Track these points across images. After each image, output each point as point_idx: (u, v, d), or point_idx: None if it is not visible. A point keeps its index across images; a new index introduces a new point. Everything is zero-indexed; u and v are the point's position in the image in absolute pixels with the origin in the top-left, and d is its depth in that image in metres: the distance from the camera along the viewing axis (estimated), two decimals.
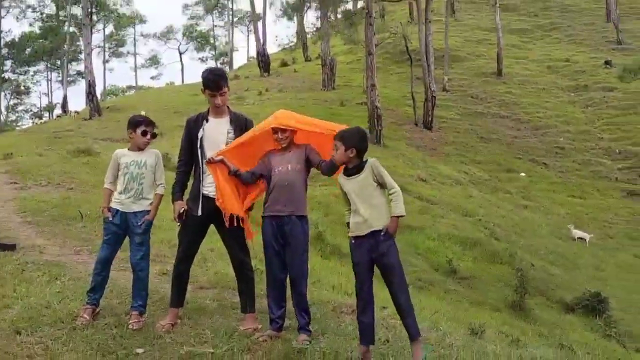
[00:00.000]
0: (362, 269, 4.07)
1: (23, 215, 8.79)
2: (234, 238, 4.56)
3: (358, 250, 4.08)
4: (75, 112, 40.61)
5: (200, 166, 4.55)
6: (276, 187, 4.42)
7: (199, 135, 4.55)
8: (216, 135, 4.55)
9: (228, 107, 4.68)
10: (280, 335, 4.47)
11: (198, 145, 4.55)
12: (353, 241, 4.13)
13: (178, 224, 4.66)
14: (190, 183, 4.75)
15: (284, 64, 47.52)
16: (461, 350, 4.40)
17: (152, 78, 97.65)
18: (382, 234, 3.98)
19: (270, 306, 4.52)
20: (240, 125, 4.60)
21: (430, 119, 29.55)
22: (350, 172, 4.16)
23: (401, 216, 4.01)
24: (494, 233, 17.12)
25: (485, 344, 4.81)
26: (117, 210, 4.70)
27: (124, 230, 4.72)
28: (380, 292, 4.41)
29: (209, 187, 4.52)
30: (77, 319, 4.50)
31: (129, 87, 76.83)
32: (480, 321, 7.41)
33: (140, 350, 4.01)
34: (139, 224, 4.67)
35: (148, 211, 4.74)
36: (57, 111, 54.22)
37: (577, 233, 20.28)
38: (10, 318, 4.50)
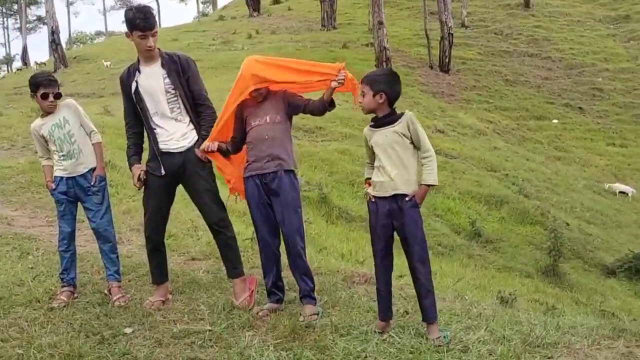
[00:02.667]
0: (381, 233, 4.05)
1: None
2: (207, 193, 4.56)
3: (378, 213, 4.05)
4: (38, 63, 40.36)
5: (149, 122, 4.53)
6: (255, 143, 4.40)
7: (132, 89, 4.51)
8: (151, 84, 4.48)
9: (159, 49, 4.57)
10: (281, 307, 4.51)
11: (138, 103, 4.51)
12: (373, 200, 4.09)
13: (139, 189, 4.66)
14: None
15: (276, 1, 46.95)
16: (491, 320, 4.44)
17: (125, 22, 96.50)
18: (407, 199, 3.94)
19: (265, 277, 4.56)
20: (175, 66, 4.50)
21: (447, 60, 29.29)
22: (379, 123, 4.05)
23: (432, 185, 3.98)
24: (523, 189, 17.15)
25: (517, 313, 4.85)
26: (61, 178, 4.72)
27: (74, 196, 4.75)
28: (397, 259, 4.43)
29: (167, 142, 4.51)
30: (53, 299, 4.55)
31: (98, 34, 76.16)
32: (509, 289, 7.50)
33: (128, 330, 4.05)
34: (91, 183, 4.71)
35: (93, 169, 4.76)
36: (17, 64, 53.88)
37: (618, 187, 20.31)
38: None
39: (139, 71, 4.52)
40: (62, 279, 4.73)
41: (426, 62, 29.82)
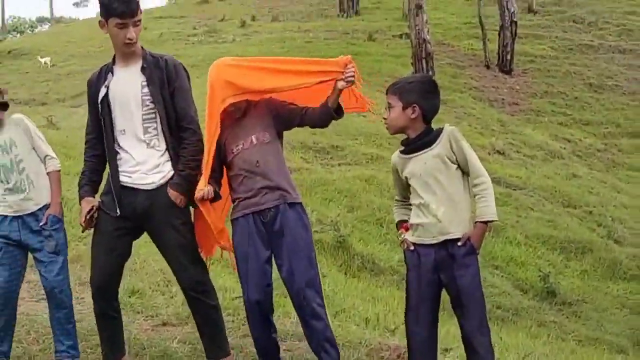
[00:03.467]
0: (425, 294, 4.02)
1: None
2: (181, 250, 4.46)
3: (420, 266, 4.01)
4: None
5: (111, 142, 4.46)
6: (243, 172, 4.33)
7: (100, 95, 4.44)
8: (125, 91, 4.42)
9: (143, 48, 4.53)
10: None
11: (104, 114, 4.44)
12: (412, 249, 4.05)
13: (84, 229, 4.60)
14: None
15: None
16: None
17: (76, 5, 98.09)
18: (459, 244, 3.90)
19: (258, 351, 4.54)
20: (160, 73, 4.42)
21: (509, 57, 29.38)
22: (412, 146, 4.02)
23: (492, 221, 3.94)
24: (614, 232, 17.06)
25: None
26: (5, 217, 4.74)
27: (17, 242, 4.75)
28: (442, 325, 4.42)
29: (134, 174, 4.42)
30: None
31: (41, 20, 77.18)
32: None
33: None
34: (41, 225, 4.70)
35: (48, 204, 4.78)
36: None
37: None
38: None
39: (112, 73, 4.49)
40: None
41: (481, 60, 29.92)
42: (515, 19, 29.22)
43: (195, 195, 4.25)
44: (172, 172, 4.41)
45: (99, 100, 4.43)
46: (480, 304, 3.93)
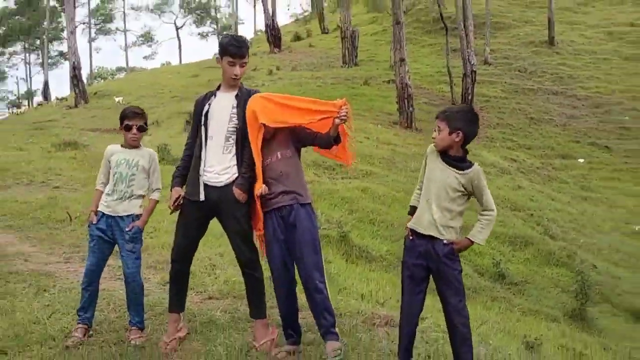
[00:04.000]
0: (413, 272, 3.98)
1: (3, 219, 8.91)
2: (239, 235, 4.52)
3: (413, 250, 3.99)
4: (58, 99, 41.03)
5: (203, 146, 4.52)
6: (269, 179, 4.39)
7: (204, 110, 4.54)
8: (220, 109, 4.52)
9: (242, 83, 4.65)
10: (299, 349, 4.49)
11: (203, 124, 4.53)
12: (411, 237, 4.03)
13: (172, 212, 4.64)
14: None
15: (297, 38, 47.51)
16: None
17: (146, 58, 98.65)
18: (444, 242, 3.88)
19: (281, 317, 4.54)
20: (245, 98, 4.52)
21: (470, 97, 29.32)
22: (450, 161, 3.95)
23: (477, 243, 3.94)
24: (548, 230, 16.98)
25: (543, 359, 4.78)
26: (103, 214, 4.74)
27: (110, 236, 4.75)
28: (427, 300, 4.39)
29: (209, 174, 4.47)
30: (68, 337, 4.56)
31: (119, 69, 77.41)
32: (535, 333, 7.40)
33: None
34: (126, 229, 4.70)
35: (138, 216, 4.78)
36: (38, 98, 54.89)
37: None
38: None
39: (215, 95, 4.60)
40: (78, 315, 4.74)
41: (449, 99, 29.87)
42: (474, 69, 29.21)
43: (256, 193, 4.35)
44: (236, 174, 4.45)
45: (203, 113, 4.53)
46: (457, 290, 3.89)
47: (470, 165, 3.93)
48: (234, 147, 4.50)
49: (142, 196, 4.84)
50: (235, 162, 4.49)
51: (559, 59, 36.04)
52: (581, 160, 26.33)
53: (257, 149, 4.39)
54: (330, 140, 4.37)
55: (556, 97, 31.87)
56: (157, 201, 4.88)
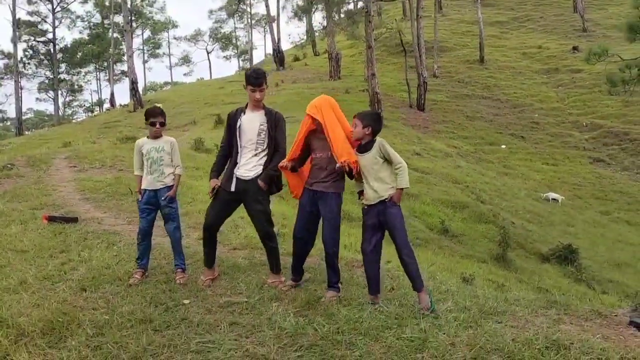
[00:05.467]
0: (371, 229, 4.04)
1: (82, 193, 8.86)
2: (261, 214, 4.48)
3: (369, 215, 4.05)
4: (121, 105, 40.72)
5: (237, 150, 4.50)
6: (315, 169, 4.32)
7: (237, 124, 4.50)
8: (251, 126, 4.47)
9: (264, 104, 4.60)
10: (301, 284, 4.51)
11: (237, 134, 4.49)
12: (365, 208, 4.08)
13: (211, 197, 4.62)
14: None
15: (296, 59, 47.14)
16: (455, 294, 4.42)
17: (185, 75, 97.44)
18: (387, 200, 3.94)
19: (293, 260, 4.54)
20: (272, 119, 4.49)
21: (422, 101, 29.27)
22: (362, 149, 4.05)
23: (405, 188, 3.96)
24: (480, 197, 17.07)
25: (475, 289, 4.82)
26: (146, 190, 4.73)
27: (153, 204, 4.74)
28: (385, 249, 4.40)
29: (241, 171, 4.46)
30: (130, 278, 4.57)
31: (166, 83, 76.74)
32: (470, 271, 7.46)
33: (186, 301, 4.06)
34: (163, 198, 4.70)
35: (170, 186, 4.75)
36: (106, 105, 54.32)
37: (551, 195, 20.19)
38: (76, 278, 4.57)
39: (244, 113, 4.54)
40: (137, 263, 4.75)
41: (407, 103, 29.82)
42: (426, 81, 29.09)
43: (279, 165, 4.33)
44: (261, 171, 4.44)
45: (237, 126, 4.49)
46: (401, 230, 3.91)
47: (374, 141, 4.03)
48: (263, 152, 4.49)
49: (170, 174, 4.79)
50: (262, 162, 4.47)
51: (487, 72, 35.93)
52: (503, 146, 26.40)
53: (300, 140, 4.33)
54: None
55: (485, 101, 31.84)
56: (180, 175, 4.86)
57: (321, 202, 4.26)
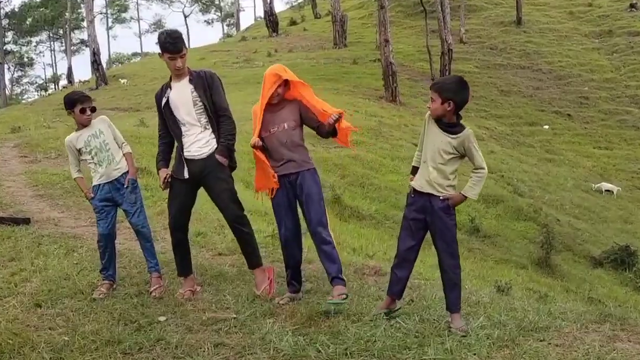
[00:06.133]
0: (411, 224, 3.97)
1: (35, 189, 8.89)
2: (226, 193, 4.54)
3: (412, 207, 3.97)
4: (81, 81, 40.76)
5: (180, 131, 4.56)
6: (276, 148, 4.36)
7: (162, 102, 4.55)
8: (180, 98, 4.52)
9: (188, 68, 4.60)
10: (299, 297, 4.52)
11: (165, 114, 4.57)
12: (412, 195, 3.99)
13: (163, 189, 4.70)
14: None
15: (292, 23, 47.07)
16: (489, 307, 4.42)
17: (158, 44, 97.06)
18: (440, 197, 3.86)
19: (286, 269, 4.55)
20: (202, 81, 4.52)
21: (447, 73, 29.10)
22: (443, 127, 3.88)
23: (472, 198, 3.91)
24: (517, 189, 17.05)
25: (512, 300, 4.82)
26: (99, 185, 4.75)
27: (112, 200, 4.78)
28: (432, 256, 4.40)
29: (190, 150, 4.53)
30: (95, 290, 4.59)
31: (134, 54, 76.82)
32: (505, 279, 7.45)
33: (162, 318, 4.07)
34: (125, 185, 4.73)
35: (127, 172, 4.79)
36: (63, 82, 54.45)
37: (604, 185, 20.15)
38: (29, 291, 4.59)
39: (170, 87, 4.57)
40: (103, 275, 4.77)
41: (428, 76, 29.74)
42: (451, 48, 29.01)
43: (251, 143, 4.32)
44: (216, 145, 4.50)
45: (162, 106, 4.56)
46: (449, 240, 3.86)
47: (462, 129, 3.86)
48: (209, 124, 4.53)
49: (121, 157, 4.82)
50: (213, 136, 4.53)
51: (525, 37, 35.79)
52: (546, 127, 26.35)
53: (260, 114, 4.36)
54: (327, 133, 4.36)
55: (523, 71, 31.76)
56: (130, 152, 4.90)
57: (299, 182, 4.33)
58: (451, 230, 3.86)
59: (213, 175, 4.50)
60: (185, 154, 4.53)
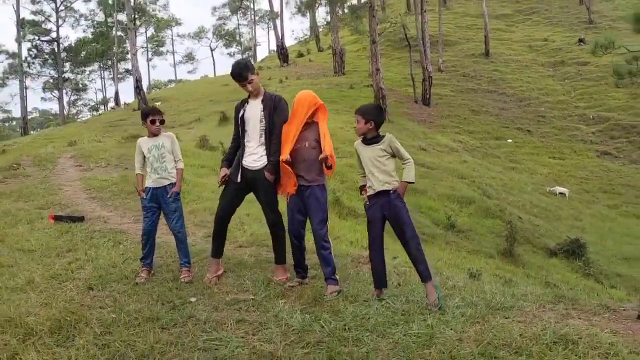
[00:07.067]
0: (375, 224, 4.06)
1: (88, 192, 8.91)
2: (268, 203, 4.55)
3: (372, 209, 4.06)
4: (126, 104, 40.82)
5: (243, 141, 4.56)
6: (296, 162, 4.33)
7: (240, 114, 4.58)
8: (252, 114, 4.54)
9: (264, 90, 4.63)
10: (306, 282, 4.52)
11: (242, 125, 4.57)
12: (368, 202, 4.10)
13: (220, 186, 4.67)
14: None
15: (300, 55, 47.11)
16: (462, 290, 4.41)
17: (189, 72, 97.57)
18: (391, 191, 3.96)
19: (293, 259, 4.55)
20: (269, 104, 4.51)
21: (428, 96, 29.18)
22: (368, 142, 4.08)
23: (411, 182, 3.97)
24: (486, 192, 17.01)
25: (482, 285, 4.81)
26: (150, 189, 4.75)
27: (157, 203, 4.77)
28: (392, 245, 4.41)
29: (248, 160, 4.51)
30: (136, 276, 4.59)
31: (170, 81, 76.87)
32: (477, 267, 7.44)
33: (193, 299, 4.08)
34: (168, 195, 4.72)
35: (173, 184, 4.78)
36: (111, 104, 54.46)
37: (558, 189, 20.10)
38: (83, 277, 4.60)
39: (247, 102, 4.61)
40: (142, 262, 4.77)
41: (412, 98, 29.73)
42: (431, 75, 29.02)
43: (282, 159, 4.30)
44: (266, 162, 4.47)
45: (240, 117, 4.58)
46: (407, 223, 3.93)
47: (383, 137, 4.05)
48: (264, 141, 4.52)
49: (173, 170, 4.82)
50: (265, 152, 4.51)
51: (493, 66, 35.76)
52: (510, 141, 26.29)
53: (294, 134, 4.31)
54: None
55: (491, 95, 31.71)
56: (182, 169, 4.89)
57: (307, 195, 4.31)
58: (407, 215, 3.98)
59: (261, 187, 4.49)
60: (243, 161, 4.53)
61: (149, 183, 4.77)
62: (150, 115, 4.77)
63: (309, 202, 4.32)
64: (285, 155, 4.30)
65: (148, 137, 4.84)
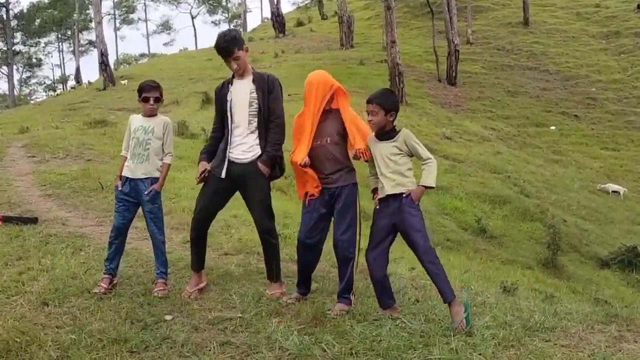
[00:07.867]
0: (382, 232, 4.07)
1: (43, 189, 8.91)
2: (261, 205, 4.50)
3: (381, 214, 4.08)
4: (89, 82, 40.92)
5: (229, 129, 4.52)
6: (321, 161, 4.28)
7: (228, 98, 4.52)
8: (239, 96, 4.50)
9: (253, 69, 4.60)
10: (305, 297, 4.51)
11: (228, 110, 4.51)
12: (377, 207, 4.11)
13: (198, 182, 4.64)
14: None
15: (299, 24, 47.10)
16: (494, 307, 4.41)
17: (165, 45, 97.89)
18: (404, 195, 3.95)
19: (299, 272, 4.54)
20: (262, 85, 4.48)
21: (454, 74, 29.14)
22: (383, 137, 4.08)
23: (430, 187, 3.98)
24: (524, 190, 17.00)
25: (518, 301, 4.81)
26: (127, 178, 4.72)
27: (134, 197, 4.73)
28: (408, 254, 4.41)
29: (235, 152, 4.48)
30: (95, 286, 4.59)
31: (142, 55, 77.01)
32: (512, 279, 7.43)
33: (168, 317, 4.08)
34: (145, 192, 4.67)
35: (156, 179, 4.73)
36: (71, 83, 54.68)
37: (611, 186, 20.07)
38: (37, 290, 4.60)
39: (232, 84, 4.57)
40: (105, 265, 4.75)
41: (435, 76, 29.71)
42: (458, 49, 28.97)
43: (300, 163, 4.23)
44: (259, 152, 4.45)
45: (227, 101, 4.52)
46: (419, 233, 3.93)
47: (398, 131, 4.06)
48: (257, 128, 4.48)
49: (158, 162, 4.78)
50: (258, 142, 4.47)
51: (532, 38, 35.69)
52: (553, 128, 26.26)
53: (312, 125, 4.26)
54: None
55: (531, 72, 31.66)
56: (170, 164, 4.86)
57: (337, 196, 4.27)
58: (420, 223, 3.98)
59: (252, 183, 4.45)
60: (228, 154, 4.49)
61: (126, 171, 4.73)
62: (142, 91, 4.71)
63: (335, 206, 4.28)
64: (302, 157, 4.23)
65: (142, 115, 4.80)
